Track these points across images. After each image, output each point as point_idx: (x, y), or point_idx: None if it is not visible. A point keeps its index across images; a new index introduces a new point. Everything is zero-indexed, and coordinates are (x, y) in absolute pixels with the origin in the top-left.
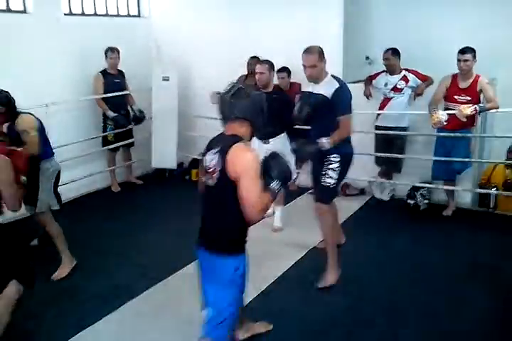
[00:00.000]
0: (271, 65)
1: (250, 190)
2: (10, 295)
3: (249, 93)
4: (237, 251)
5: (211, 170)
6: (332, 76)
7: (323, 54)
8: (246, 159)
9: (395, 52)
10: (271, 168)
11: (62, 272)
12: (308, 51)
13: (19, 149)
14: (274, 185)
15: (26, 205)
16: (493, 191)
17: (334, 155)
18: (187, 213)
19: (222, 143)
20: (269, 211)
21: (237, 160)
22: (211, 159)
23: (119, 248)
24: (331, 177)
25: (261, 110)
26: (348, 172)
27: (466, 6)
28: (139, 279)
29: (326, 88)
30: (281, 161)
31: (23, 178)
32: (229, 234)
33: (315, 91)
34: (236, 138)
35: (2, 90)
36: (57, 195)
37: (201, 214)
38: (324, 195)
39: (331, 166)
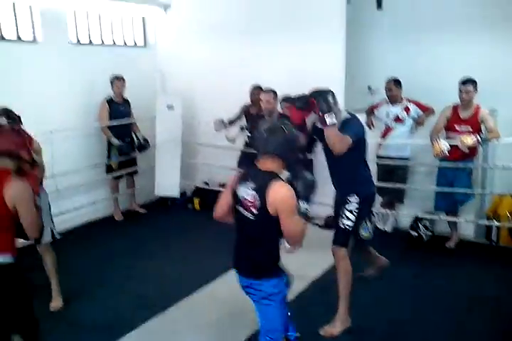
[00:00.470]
0: (275, 94)
1: (294, 225)
2: None
3: (285, 130)
4: (278, 273)
5: (250, 204)
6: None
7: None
8: (286, 197)
9: (397, 82)
10: (299, 189)
11: (58, 304)
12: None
13: (32, 171)
14: (304, 207)
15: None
16: (495, 223)
17: (353, 196)
18: (189, 242)
19: (261, 179)
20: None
21: (278, 197)
22: (248, 193)
23: (120, 278)
24: (348, 218)
25: (294, 148)
26: (368, 213)
27: (468, 39)
28: (140, 310)
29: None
30: (305, 179)
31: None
32: (267, 260)
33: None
34: (273, 175)
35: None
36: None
37: (236, 241)
38: (340, 237)
39: (349, 207)
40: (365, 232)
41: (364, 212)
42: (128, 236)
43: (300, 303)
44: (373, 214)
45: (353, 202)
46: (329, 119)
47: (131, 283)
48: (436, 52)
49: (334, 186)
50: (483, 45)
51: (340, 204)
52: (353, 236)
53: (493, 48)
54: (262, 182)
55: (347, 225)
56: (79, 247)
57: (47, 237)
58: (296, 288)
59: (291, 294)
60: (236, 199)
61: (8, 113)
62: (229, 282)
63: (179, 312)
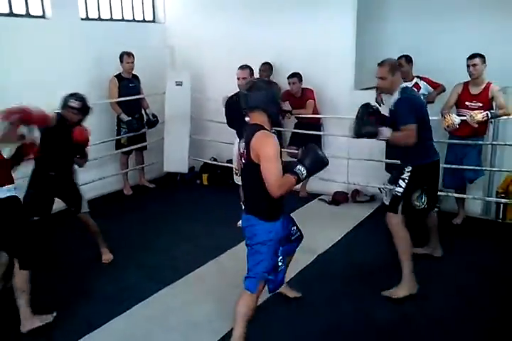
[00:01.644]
0: (252, 70)
1: (269, 171)
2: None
3: (262, 85)
4: (270, 219)
5: (242, 155)
6: (402, 88)
7: (395, 68)
8: (265, 143)
9: (407, 58)
10: (304, 156)
11: (109, 256)
12: (380, 63)
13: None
14: (300, 170)
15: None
16: (502, 200)
17: (406, 166)
18: (197, 217)
19: (247, 132)
20: None
21: (257, 143)
22: (242, 146)
23: (129, 250)
24: (400, 186)
25: (273, 100)
26: (424, 183)
27: (480, 17)
28: (148, 282)
29: (391, 100)
30: (315, 152)
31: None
32: (260, 204)
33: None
34: (257, 127)
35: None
36: None
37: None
38: (392, 203)
39: (402, 176)
40: (418, 202)
41: (419, 182)
42: (137, 209)
43: (305, 275)
44: (434, 185)
45: (407, 170)
46: (383, 136)
47: (139, 255)
48: (449, 31)
49: (393, 157)
50: (496, 23)
51: (397, 173)
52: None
53: (505, 26)
54: (249, 133)
55: (397, 191)
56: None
57: (85, 208)
58: (303, 261)
59: (297, 267)
60: (240, 154)
61: (85, 100)
62: (238, 254)
63: (188, 284)
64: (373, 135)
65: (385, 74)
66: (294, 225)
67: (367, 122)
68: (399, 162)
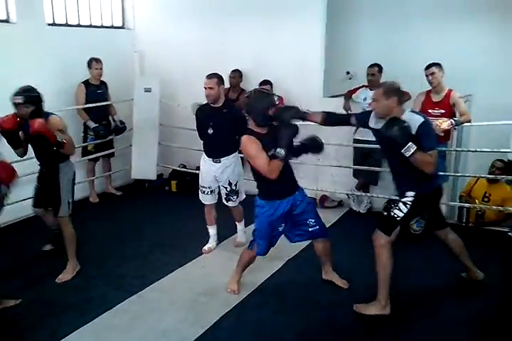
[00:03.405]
0: (219, 79)
1: (257, 166)
2: None
3: (252, 94)
4: (268, 198)
5: None
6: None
7: (391, 92)
8: (244, 145)
9: (380, 67)
10: (279, 140)
11: (66, 276)
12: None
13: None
14: (278, 152)
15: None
16: (466, 204)
17: (410, 190)
18: (164, 225)
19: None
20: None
21: (242, 148)
22: None
23: (95, 259)
24: (400, 210)
25: (258, 108)
26: (426, 209)
27: (449, 27)
28: (114, 291)
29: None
30: (284, 132)
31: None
32: (259, 187)
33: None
34: (248, 131)
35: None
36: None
37: None
38: (386, 225)
39: (403, 199)
40: (417, 227)
41: (421, 208)
42: (103, 217)
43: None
44: (437, 210)
45: (410, 195)
46: (408, 152)
47: (105, 264)
48: (416, 39)
49: (395, 183)
50: (465, 32)
51: (398, 195)
52: (400, 228)
53: (475, 37)
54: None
55: (396, 214)
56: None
57: (63, 212)
58: (272, 267)
59: (267, 272)
60: None
61: (28, 92)
62: (203, 263)
63: (155, 293)
64: (400, 142)
65: (379, 97)
66: (313, 218)
67: (403, 129)
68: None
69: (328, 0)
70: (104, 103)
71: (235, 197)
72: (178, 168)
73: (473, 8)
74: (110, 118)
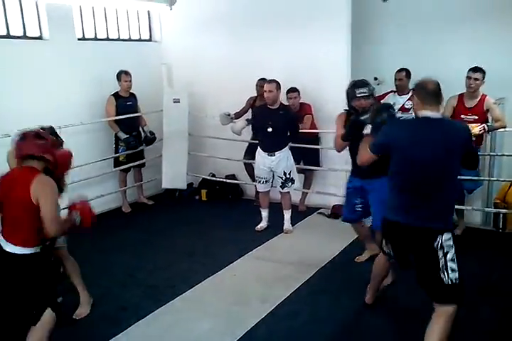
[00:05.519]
0: (278, 84)
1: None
2: (46, 326)
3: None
4: (352, 175)
5: None
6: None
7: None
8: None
9: (408, 72)
10: (370, 117)
11: (83, 311)
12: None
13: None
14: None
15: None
16: (502, 210)
17: (446, 235)
18: (195, 233)
19: None
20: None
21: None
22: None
23: (128, 269)
24: (453, 269)
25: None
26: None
27: (474, 27)
28: (147, 301)
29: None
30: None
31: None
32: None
33: None
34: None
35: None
36: None
37: None
38: (453, 294)
39: (448, 255)
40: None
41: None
42: (136, 227)
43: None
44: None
45: (450, 245)
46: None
47: (138, 273)
48: (442, 42)
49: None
50: (490, 33)
51: (429, 248)
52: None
53: (501, 36)
54: None
55: (454, 278)
56: (88, 238)
57: (59, 242)
58: (305, 275)
59: (298, 281)
60: None
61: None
62: (235, 272)
63: (187, 302)
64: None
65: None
66: (363, 198)
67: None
68: None
69: (353, 8)
70: (134, 114)
71: (289, 183)
72: (208, 177)
73: (503, 10)
74: (140, 129)
